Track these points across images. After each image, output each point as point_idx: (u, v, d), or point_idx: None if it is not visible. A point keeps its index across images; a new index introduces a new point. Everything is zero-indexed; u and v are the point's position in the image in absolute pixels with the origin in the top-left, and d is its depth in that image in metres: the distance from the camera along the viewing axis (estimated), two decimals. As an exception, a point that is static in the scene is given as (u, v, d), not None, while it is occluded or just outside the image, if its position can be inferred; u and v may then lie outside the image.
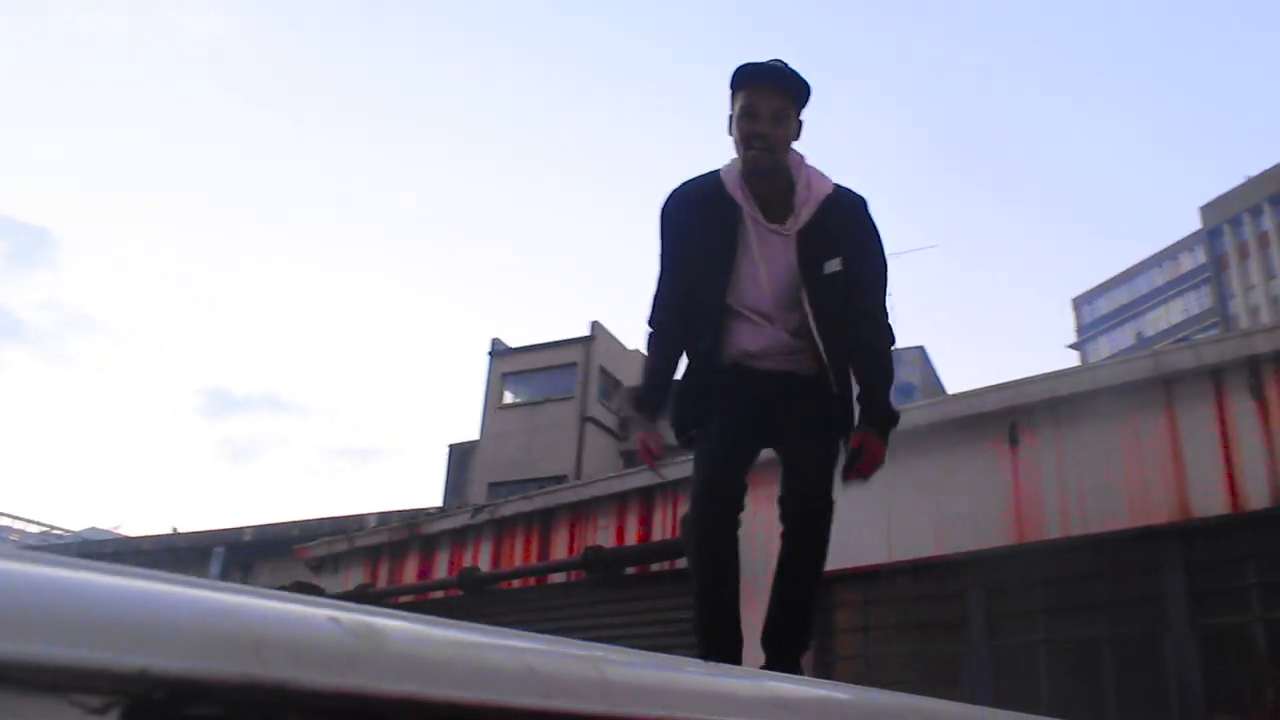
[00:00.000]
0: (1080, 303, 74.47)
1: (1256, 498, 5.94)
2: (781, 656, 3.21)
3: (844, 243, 3.30)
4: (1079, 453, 6.65)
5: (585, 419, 34.80)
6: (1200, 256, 63.29)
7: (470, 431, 38.55)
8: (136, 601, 0.74)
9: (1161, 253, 67.93)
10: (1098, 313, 72.25)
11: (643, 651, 1.30)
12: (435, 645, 0.94)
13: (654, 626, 7.83)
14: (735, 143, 3.26)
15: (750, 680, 1.37)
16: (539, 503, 9.54)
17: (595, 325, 36.42)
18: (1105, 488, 6.46)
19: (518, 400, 36.94)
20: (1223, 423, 6.19)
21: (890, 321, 3.47)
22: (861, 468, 3.28)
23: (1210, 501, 6.08)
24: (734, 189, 3.30)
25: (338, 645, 0.84)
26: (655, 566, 8.51)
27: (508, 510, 9.76)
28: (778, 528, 3.38)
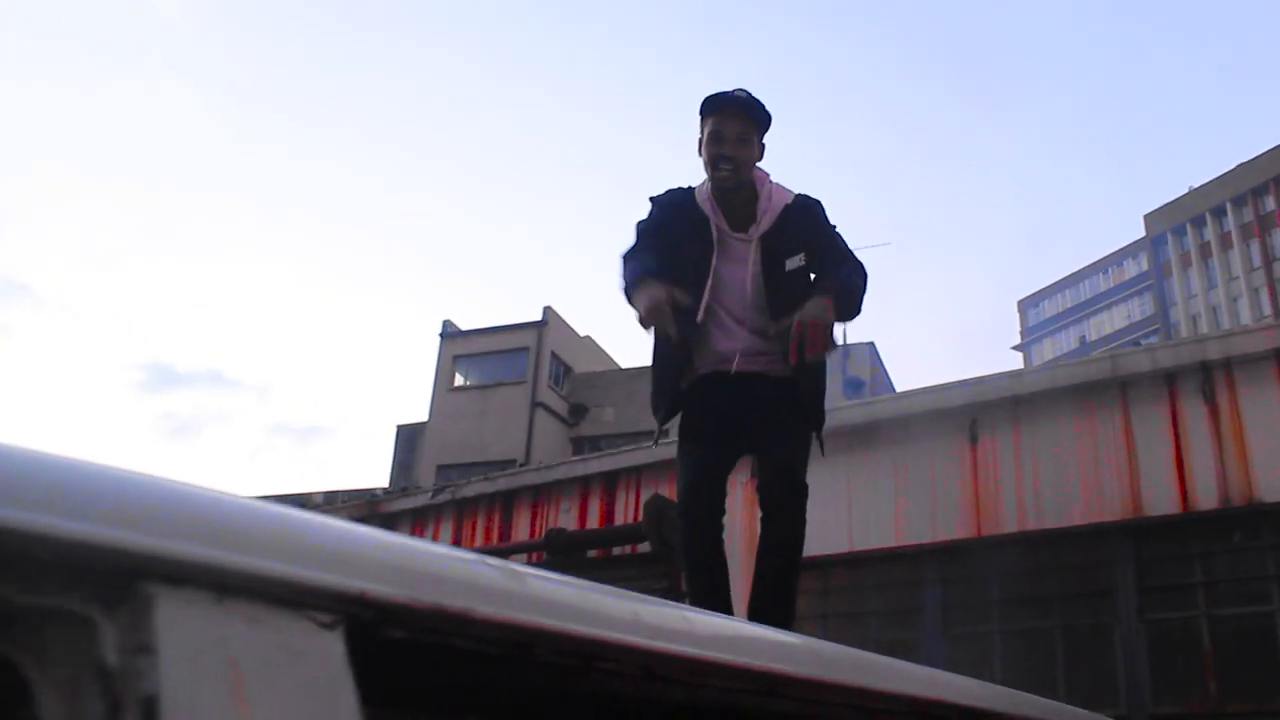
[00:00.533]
0: (1026, 305, 75.65)
1: (1205, 499, 6.18)
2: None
3: (804, 241, 3.57)
4: (1036, 450, 6.86)
5: (536, 404, 34.79)
6: (1144, 263, 64.56)
7: (419, 413, 38.43)
8: (352, 537, 0.83)
9: (1106, 258, 69.18)
10: (1042, 315, 73.44)
11: (711, 611, 1.41)
12: (562, 588, 1.04)
13: (614, 609, 7.92)
14: (704, 163, 3.58)
15: (800, 640, 1.48)
16: (501, 484, 9.61)
17: (548, 310, 36.41)
18: (1061, 485, 6.66)
19: (468, 383, 36.85)
20: (1175, 425, 6.41)
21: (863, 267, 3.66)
22: (811, 338, 3.25)
23: (1161, 501, 6.30)
24: (704, 202, 3.62)
25: (496, 583, 0.94)
26: (617, 550, 8.61)
27: (469, 491, 9.81)
28: (758, 512, 3.55)
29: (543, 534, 8.89)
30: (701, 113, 3.56)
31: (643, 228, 3.67)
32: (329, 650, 0.76)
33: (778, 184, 3.67)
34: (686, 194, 3.69)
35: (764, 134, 3.60)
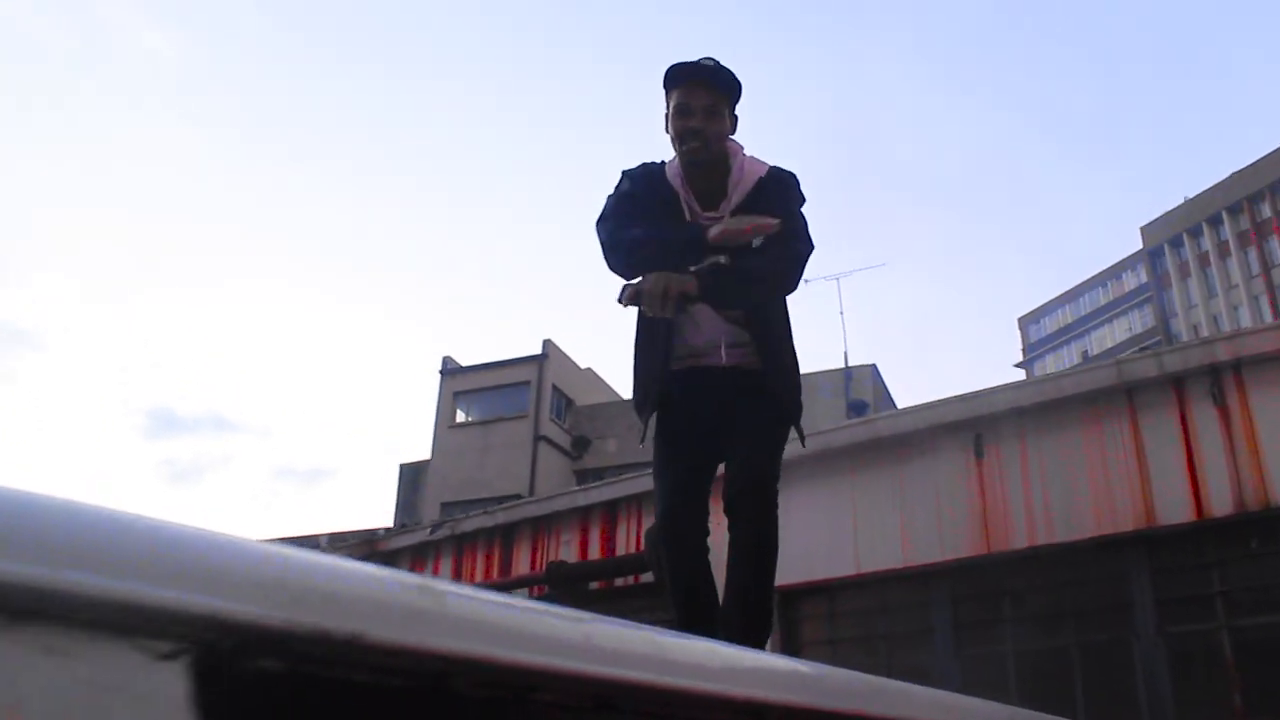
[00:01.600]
0: (1026, 322, 75.55)
1: (1220, 505, 5.99)
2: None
3: (774, 215, 3.32)
4: (1044, 462, 6.68)
5: (538, 438, 34.59)
6: (1142, 275, 64.50)
7: (421, 451, 38.22)
8: (208, 547, 0.67)
9: (1104, 272, 69.14)
10: (1043, 331, 73.32)
11: (686, 634, 1.25)
12: (495, 609, 0.88)
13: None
14: (671, 139, 3.36)
15: (784, 660, 1.32)
16: (500, 518, 9.43)
17: (548, 344, 36.29)
18: (1070, 497, 6.48)
19: (470, 419, 36.67)
20: (1185, 431, 6.24)
21: (793, 269, 3.42)
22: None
23: (1175, 510, 6.12)
24: (674, 178, 3.40)
25: (406, 603, 0.78)
26: (619, 581, 8.42)
27: (468, 526, 9.63)
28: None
29: (543, 567, 8.73)
30: (666, 85, 3.35)
31: (616, 197, 3.47)
32: (165, 688, 0.60)
33: (751, 156, 3.45)
34: (658, 169, 3.48)
35: (735, 105, 3.39)
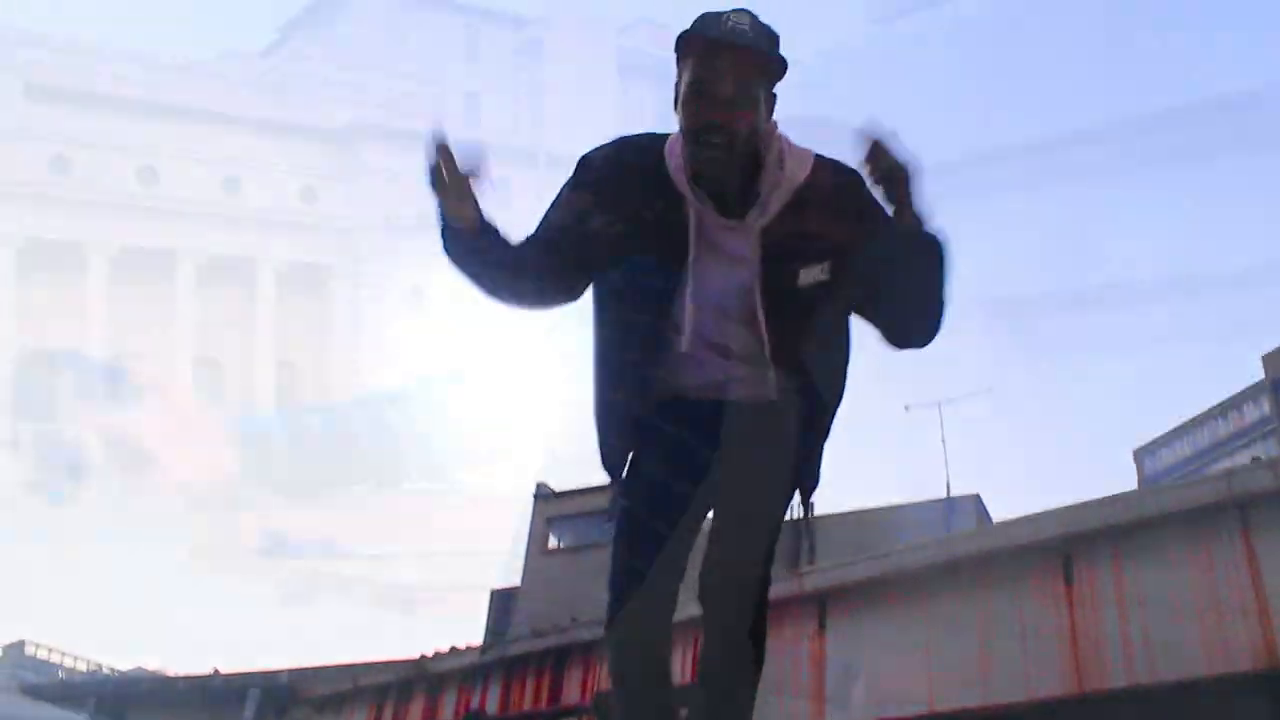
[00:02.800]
0: (1142, 455, 72.71)
1: (1354, 640, 5.18)
2: None
3: (833, 238, 2.30)
4: (1144, 589, 5.99)
5: (630, 564, 34.01)
6: (1265, 407, 61.94)
7: (513, 577, 37.85)
8: None
9: (1224, 403, 66.54)
10: (1160, 465, 70.36)
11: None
12: None
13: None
14: (681, 128, 2.28)
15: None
16: (551, 641, 8.87)
17: (641, 468, 35.90)
18: (1176, 629, 5.77)
19: (562, 545, 36.22)
20: (1309, 552, 5.49)
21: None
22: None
23: (1299, 644, 5.33)
24: (678, 172, 2.29)
25: None
26: (674, 713, 7.74)
27: (517, 649, 9.10)
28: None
29: (593, 696, 8.14)
30: (679, 51, 2.26)
31: (544, 218, 2.38)
32: None
33: (790, 140, 2.33)
34: (652, 149, 2.35)
35: (776, 83, 2.28)
